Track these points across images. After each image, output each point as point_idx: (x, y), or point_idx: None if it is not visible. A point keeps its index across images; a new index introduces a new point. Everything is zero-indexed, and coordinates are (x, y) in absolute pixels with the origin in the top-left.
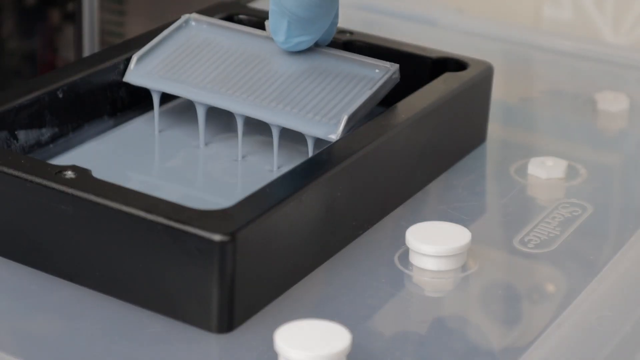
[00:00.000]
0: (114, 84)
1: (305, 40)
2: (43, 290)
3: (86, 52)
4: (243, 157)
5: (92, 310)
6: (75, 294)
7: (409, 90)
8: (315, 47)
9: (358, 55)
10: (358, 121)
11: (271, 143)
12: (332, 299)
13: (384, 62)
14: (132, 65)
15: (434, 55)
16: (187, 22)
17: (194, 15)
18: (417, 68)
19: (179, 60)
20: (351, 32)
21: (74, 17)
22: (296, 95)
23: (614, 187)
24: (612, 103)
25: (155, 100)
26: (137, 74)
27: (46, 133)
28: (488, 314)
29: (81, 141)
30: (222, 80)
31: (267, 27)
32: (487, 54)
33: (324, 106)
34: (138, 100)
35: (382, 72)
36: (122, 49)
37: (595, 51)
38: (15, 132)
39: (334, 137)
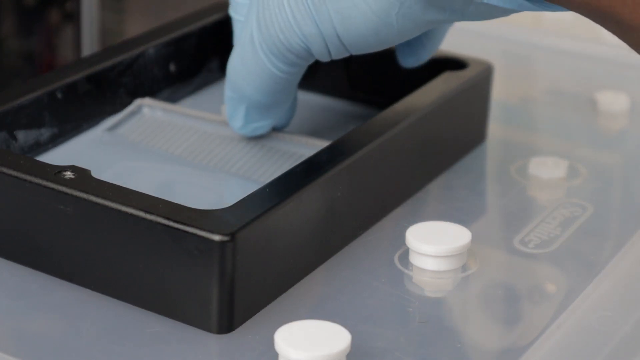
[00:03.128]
0: (114, 84)
1: (263, 125)
2: (43, 290)
3: (85, 52)
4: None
5: (92, 310)
6: (75, 294)
7: (409, 90)
8: (272, 132)
9: (313, 138)
10: None
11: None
12: (332, 299)
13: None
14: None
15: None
16: (139, 108)
17: (147, 100)
18: (416, 67)
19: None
20: None
21: (73, 17)
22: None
23: (615, 187)
24: (613, 103)
25: None
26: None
27: (45, 133)
28: (488, 314)
29: (80, 141)
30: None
31: (223, 112)
32: (487, 54)
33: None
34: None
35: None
36: (122, 48)
37: (596, 51)
38: (15, 133)
39: None
